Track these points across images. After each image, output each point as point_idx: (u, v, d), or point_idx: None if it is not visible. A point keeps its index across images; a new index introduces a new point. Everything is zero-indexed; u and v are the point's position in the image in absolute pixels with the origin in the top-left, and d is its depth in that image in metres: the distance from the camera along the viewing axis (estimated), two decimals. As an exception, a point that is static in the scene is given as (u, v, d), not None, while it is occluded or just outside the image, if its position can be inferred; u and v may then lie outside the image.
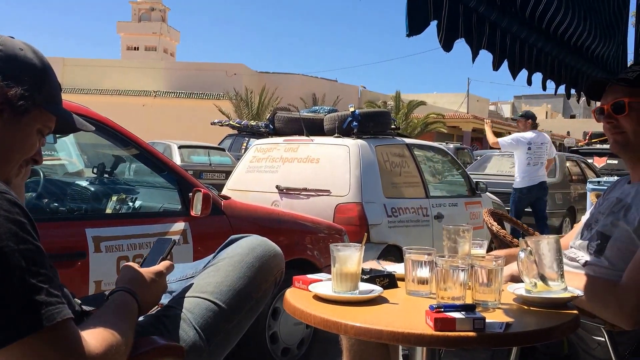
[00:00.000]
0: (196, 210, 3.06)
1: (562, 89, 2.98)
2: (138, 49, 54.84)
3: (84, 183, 3.94)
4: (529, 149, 7.54)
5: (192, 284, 1.56)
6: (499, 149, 8.37)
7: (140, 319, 1.43)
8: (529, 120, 7.71)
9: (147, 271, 1.45)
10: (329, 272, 1.62)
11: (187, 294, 1.53)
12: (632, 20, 3.65)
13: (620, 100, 1.88)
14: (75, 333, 1.05)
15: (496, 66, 2.34)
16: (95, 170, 4.08)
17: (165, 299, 1.57)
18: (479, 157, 13.94)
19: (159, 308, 1.54)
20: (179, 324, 1.45)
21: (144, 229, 3.00)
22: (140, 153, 3.18)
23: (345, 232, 4.16)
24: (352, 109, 5.48)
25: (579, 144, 22.83)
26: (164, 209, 3.42)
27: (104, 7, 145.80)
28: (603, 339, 1.84)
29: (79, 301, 1.44)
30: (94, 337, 1.10)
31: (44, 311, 0.99)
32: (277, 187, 5.31)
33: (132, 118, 27.44)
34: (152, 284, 1.43)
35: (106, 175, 4.04)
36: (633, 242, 1.81)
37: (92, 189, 3.82)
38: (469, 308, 1.33)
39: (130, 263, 1.50)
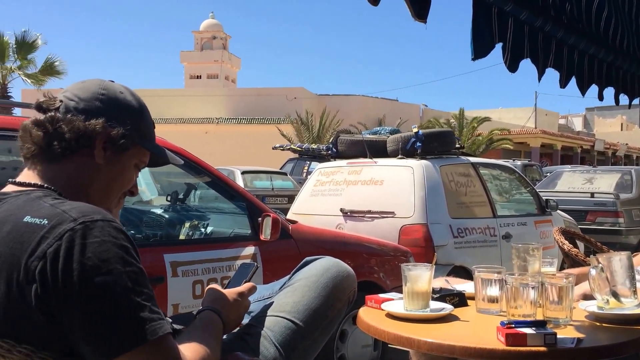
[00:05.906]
0: (266, 234, 3.14)
1: (636, 101, 2.94)
2: (200, 77, 56.13)
3: (159, 211, 4.13)
4: None
5: (271, 303, 1.65)
6: None
7: (224, 337, 1.52)
8: None
9: (230, 292, 1.55)
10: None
11: (267, 313, 1.61)
12: None
13: None
14: (174, 347, 1.16)
15: (563, 84, 2.33)
16: (169, 198, 4.27)
17: (245, 319, 1.66)
18: (548, 174, 13.56)
19: (240, 327, 1.63)
20: (260, 341, 1.53)
21: (217, 254, 3.11)
22: (212, 180, 3.33)
23: (411, 254, 4.17)
24: (415, 130, 5.49)
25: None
26: (235, 234, 3.52)
27: (169, 38, 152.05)
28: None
29: (170, 320, 1.55)
30: (189, 351, 1.20)
31: (147, 326, 1.10)
32: (341, 210, 5.36)
33: (195, 145, 27.99)
34: (234, 304, 1.52)
35: (179, 203, 4.22)
36: None
37: (167, 216, 4.00)
38: (540, 324, 1.36)
39: (214, 285, 1.60)
